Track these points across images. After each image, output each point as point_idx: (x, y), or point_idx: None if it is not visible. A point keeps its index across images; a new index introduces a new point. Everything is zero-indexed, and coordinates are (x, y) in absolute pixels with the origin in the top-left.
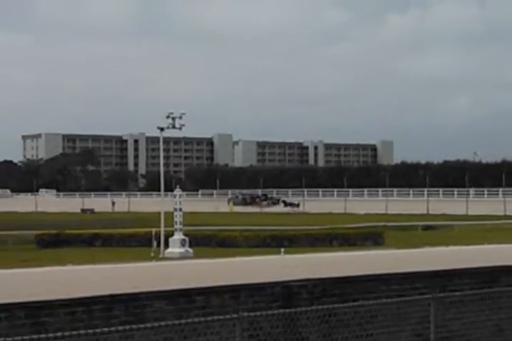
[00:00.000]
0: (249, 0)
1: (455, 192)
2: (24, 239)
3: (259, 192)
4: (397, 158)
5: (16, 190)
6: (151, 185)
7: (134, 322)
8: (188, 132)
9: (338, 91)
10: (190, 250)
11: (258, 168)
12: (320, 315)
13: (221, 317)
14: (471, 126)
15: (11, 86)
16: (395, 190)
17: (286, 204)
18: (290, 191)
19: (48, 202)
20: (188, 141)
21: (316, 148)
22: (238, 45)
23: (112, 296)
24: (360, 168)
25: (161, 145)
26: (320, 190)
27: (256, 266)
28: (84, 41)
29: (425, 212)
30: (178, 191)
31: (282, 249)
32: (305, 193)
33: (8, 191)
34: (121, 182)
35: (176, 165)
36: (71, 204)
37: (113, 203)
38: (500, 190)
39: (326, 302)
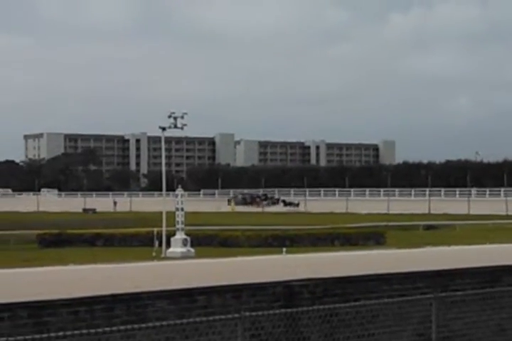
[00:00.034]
0: (250, 1)
1: (457, 192)
2: (26, 239)
3: (261, 191)
4: (399, 158)
5: (18, 189)
6: (153, 185)
7: (135, 322)
8: (189, 132)
9: (339, 91)
10: (192, 250)
11: (260, 168)
12: (321, 315)
13: (223, 316)
14: (473, 125)
15: (12, 86)
16: (397, 189)
17: (285, 203)
18: (292, 191)
19: (50, 201)
20: (189, 140)
21: (317, 147)
22: (239, 46)
23: (113, 296)
24: (362, 168)
25: (163, 145)
26: (322, 189)
27: (258, 266)
28: (84, 42)
29: (427, 211)
30: (179, 191)
31: (284, 249)
32: (307, 193)
33: (10, 191)
34: (123, 181)
35: (177, 164)
36: (73, 204)
37: (115, 203)
38: (502, 189)
39: (328, 302)
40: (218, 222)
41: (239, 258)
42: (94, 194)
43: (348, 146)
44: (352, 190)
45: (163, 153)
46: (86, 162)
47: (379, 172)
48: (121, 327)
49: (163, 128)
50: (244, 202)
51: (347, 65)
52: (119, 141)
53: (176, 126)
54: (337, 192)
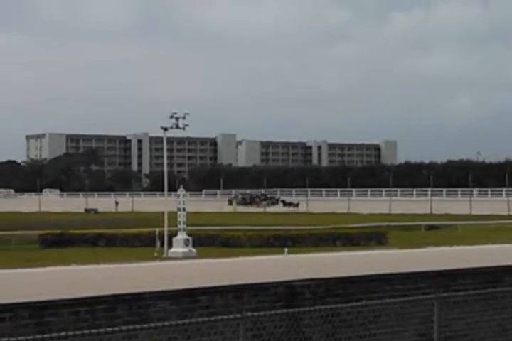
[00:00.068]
0: (250, 1)
1: (459, 192)
2: (27, 239)
3: (263, 192)
4: (400, 158)
5: (20, 190)
6: (155, 185)
7: (137, 322)
8: (191, 132)
9: (340, 90)
10: (194, 250)
11: (262, 168)
12: (323, 315)
13: (225, 317)
14: (475, 125)
15: (12, 86)
16: (399, 189)
17: (285, 204)
18: (294, 191)
19: (52, 202)
20: (191, 140)
21: (319, 147)
22: (239, 46)
23: (115, 296)
24: (364, 168)
25: (165, 145)
26: (323, 189)
27: (259, 266)
28: (84, 42)
29: (429, 211)
30: (181, 191)
31: (286, 249)
32: (308, 193)
33: (12, 191)
34: (124, 182)
35: (179, 165)
36: (75, 204)
37: (116, 203)
38: (504, 189)
39: (330, 302)
40: (220, 222)
41: (241, 259)
42: (96, 194)
43: (350, 146)
44: (354, 190)
45: (165, 154)
46: (88, 162)
47: (381, 173)
48: (123, 328)
49: (165, 129)
50: (244, 202)
51: (347, 65)
52: (120, 141)
53: (177, 127)
54: (339, 193)
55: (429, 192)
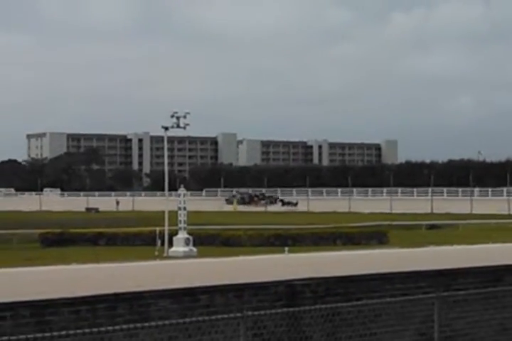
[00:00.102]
0: (250, 1)
1: (459, 192)
2: (28, 238)
3: (264, 191)
4: (401, 158)
5: (21, 189)
6: (156, 184)
7: (138, 321)
8: (192, 131)
9: (340, 90)
10: (194, 249)
11: (262, 167)
12: (324, 314)
13: (225, 316)
14: (475, 125)
15: (12, 86)
16: (400, 189)
17: (283, 203)
18: (294, 190)
19: (53, 201)
20: (192, 140)
21: (320, 147)
22: (239, 46)
23: (116, 295)
24: (365, 167)
25: (166, 145)
26: (324, 189)
27: (260, 265)
28: (84, 42)
29: (429, 211)
30: (182, 190)
31: (286, 248)
32: (309, 192)
33: (13, 190)
34: (125, 181)
35: (180, 164)
36: (75, 203)
37: (117, 202)
38: (505, 189)
39: (330, 301)
40: (220, 222)
41: (241, 258)
42: (96, 193)
43: (351, 146)
44: (354, 189)
45: (166, 153)
46: (88, 161)
47: (381, 172)
48: (124, 326)
49: (166, 128)
50: (243, 201)
51: (348, 65)
52: (121, 141)
53: (178, 126)
54: (339, 192)
55: (429, 192)
